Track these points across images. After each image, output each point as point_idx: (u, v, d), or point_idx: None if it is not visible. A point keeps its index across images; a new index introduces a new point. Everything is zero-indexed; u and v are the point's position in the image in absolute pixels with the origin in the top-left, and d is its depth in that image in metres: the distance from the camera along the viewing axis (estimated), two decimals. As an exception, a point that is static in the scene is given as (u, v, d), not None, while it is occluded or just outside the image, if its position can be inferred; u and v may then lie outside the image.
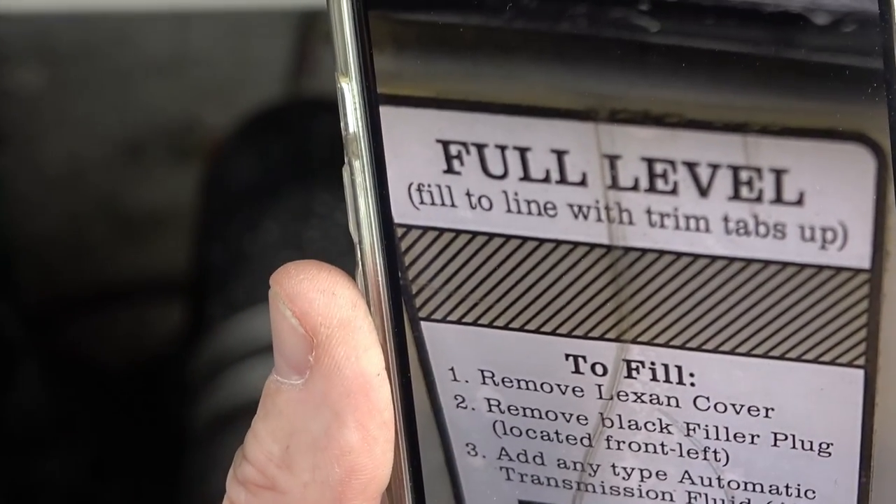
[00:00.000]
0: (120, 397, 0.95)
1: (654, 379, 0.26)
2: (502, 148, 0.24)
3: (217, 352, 0.72)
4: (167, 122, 1.04)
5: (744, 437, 0.26)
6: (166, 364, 0.91)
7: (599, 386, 0.26)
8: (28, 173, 1.02)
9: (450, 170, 0.24)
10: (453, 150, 0.24)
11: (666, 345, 0.25)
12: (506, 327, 0.26)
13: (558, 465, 0.28)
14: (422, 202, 0.25)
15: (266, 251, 0.72)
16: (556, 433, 0.27)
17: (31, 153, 1.03)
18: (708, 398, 0.26)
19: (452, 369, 0.27)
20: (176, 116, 1.04)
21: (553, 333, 0.26)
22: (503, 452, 0.28)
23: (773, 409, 0.26)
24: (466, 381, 0.27)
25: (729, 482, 0.27)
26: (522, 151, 0.24)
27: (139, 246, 1.03)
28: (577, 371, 0.26)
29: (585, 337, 0.26)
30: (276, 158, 0.77)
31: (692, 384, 0.26)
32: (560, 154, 0.24)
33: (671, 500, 0.27)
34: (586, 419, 0.27)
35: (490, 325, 0.26)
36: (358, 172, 0.25)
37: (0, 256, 0.96)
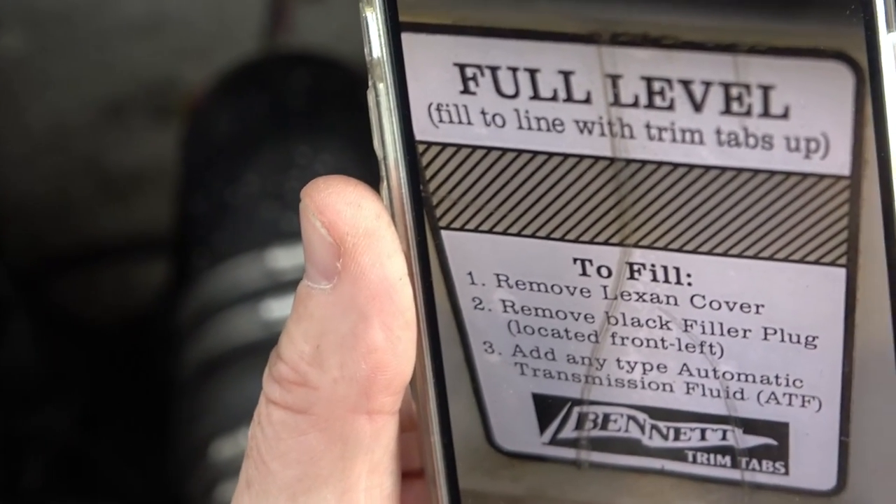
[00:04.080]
0: (107, 352, 0.95)
1: (655, 280, 0.27)
2: (514, 70, 0.25)
3: (203, 300, 0.72)
4: (147, 82, 1.03)
5: (737, 331, 0.28)
6: (151, 318, 0.91)
7: (604, 287, 0.28)
8: (12, 135, 1.02)
9: (466, 90, 0.26)
10: (469, 72, 0.26)
11: (665, 248, 0.27)
12: (519, 234, 0.27)
13: (568, 360, 0.29)
14: (441, 120, 0.26)
15: (248, 202, 0.73)
16: (566, 331, 0.29)
17: (15, 115, 1.02)
18: (704, 296, 0.27)
19: (470, 274, 0.28)
20: (155, 76, 1.03)
21: (562, 239, 0.27)
22: (517, 349, 0.29)
23: (763, 306, 0.27)
24: (483, 285, 0.28)
25: (724, 373, 0.28)
26: (532, 73, 0.25)
27: (122, 204, 1.02)
28: (584, 273, 0.28)
29: (591, 242, 0.27)
30: (254, 112, 0.77)
31: (689, 284, 0.27)
32: (566, 74, 0.25)
33: (671, 390, 0.29)
34: (593, 318, 0.28)
35: (504, 233, 0.28)
36: (382, 94, 0.27)
37: (-14, 217, 0.96)
